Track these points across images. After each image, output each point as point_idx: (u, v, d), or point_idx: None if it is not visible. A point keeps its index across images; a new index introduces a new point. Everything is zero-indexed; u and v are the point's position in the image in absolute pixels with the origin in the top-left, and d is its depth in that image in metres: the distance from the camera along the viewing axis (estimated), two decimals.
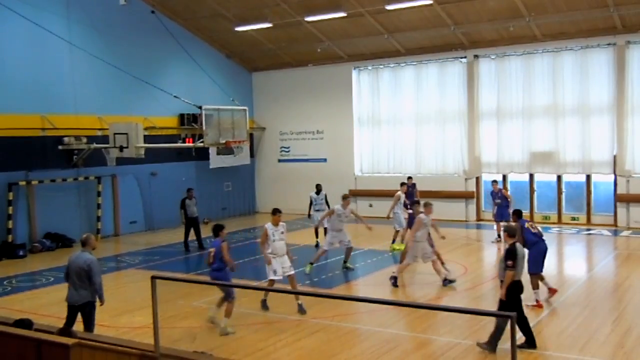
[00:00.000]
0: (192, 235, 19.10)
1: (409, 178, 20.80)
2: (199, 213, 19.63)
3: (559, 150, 21.86)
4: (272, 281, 11.70)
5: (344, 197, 15.57)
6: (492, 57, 22.99)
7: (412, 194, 20.73)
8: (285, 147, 27.79)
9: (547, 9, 20.38)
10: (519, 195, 22.37)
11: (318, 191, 18.89)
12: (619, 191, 20.98)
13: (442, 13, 21.42)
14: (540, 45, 21.95)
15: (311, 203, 18.82)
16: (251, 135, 26.91)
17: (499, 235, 18.21)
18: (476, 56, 23.22)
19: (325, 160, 26.62)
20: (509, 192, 19.87)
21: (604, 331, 10.25)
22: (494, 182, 19.53)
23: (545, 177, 22.55)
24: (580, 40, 21.28)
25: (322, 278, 14.67)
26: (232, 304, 10.72)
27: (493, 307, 10.56)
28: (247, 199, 27.31)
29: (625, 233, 19.80)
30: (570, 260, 17.04)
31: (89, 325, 9.54)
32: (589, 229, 20.63)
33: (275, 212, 12.00)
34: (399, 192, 18.16)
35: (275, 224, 11.83)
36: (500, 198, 18.72)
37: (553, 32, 21.40)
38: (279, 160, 27.93)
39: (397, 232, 18.00)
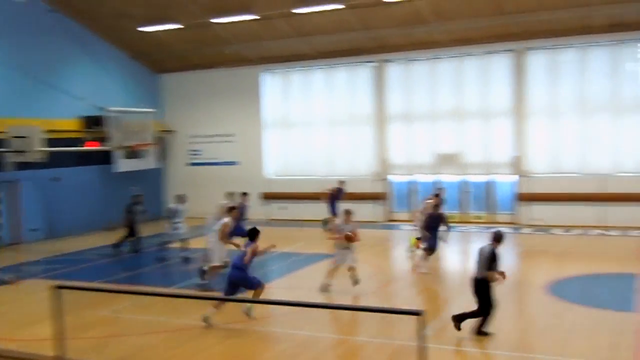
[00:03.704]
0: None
1: (341, 182, 21.29)
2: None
3: (463, 152, 22.69)
4: None
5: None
6: (400, 61, 23.59)
7: (338, 198, 21.01)
8: (196, 150, 27.37)
9: (451, 15, 21.10)
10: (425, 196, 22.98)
11: (181, 201, 17.51)
12: (519, 190, 22.00)
13: (351, 18, 21.74)
14: (445, 50, 22.70)
15: (173, 214, 17.34)
16: (161, 139, 26.33)
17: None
18: (384, 61, 23.74)
19: (236, 163, 26.41)
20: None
21: (507, 326, 10.67)
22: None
23: (451, 177, 23.31)
24: (482, 46, 22.19)
25: None
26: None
27: (404, 304, 10.79)
28: (155, 204, 26.67)
29: (525, 230, 20.74)
30: (474, 258, 17.65)
31: None
32: (492, 227, 21.44)
33: None
34: (428, 201, 16.58)
35: None
36: None
37: (456, 38, 22.17)
38: (190, 164, 27.48)
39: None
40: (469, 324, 9.95)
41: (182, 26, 23.06)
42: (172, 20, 22.73)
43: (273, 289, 14.10)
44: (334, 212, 20.65)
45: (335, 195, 21.15)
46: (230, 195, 17.40)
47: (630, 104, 20.77)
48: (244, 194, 18.80)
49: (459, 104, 22.79)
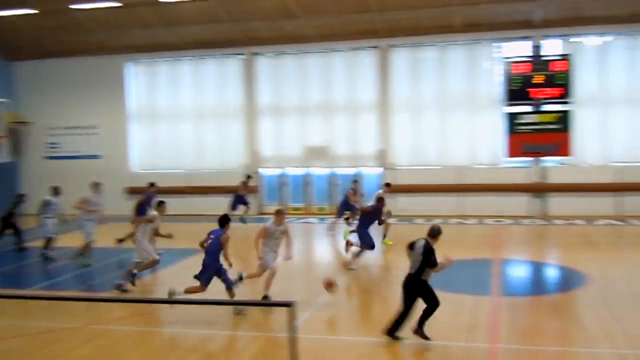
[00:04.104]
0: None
1: (248, 177, 20.87)
2: None
3: (331, 145, 23.19)
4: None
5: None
6: (269, 55, 23.62)
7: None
8: (54, 143, 25.87)
9: (318, 10, 21.44)
10: (293, 188, 23.28)
11: (56, 193, 16.37)
12: (384, 182, 22.77)
13: (219, 9, 21.45)
14: (313, 45, 23.03)
15: (46, 207, 16.08)
16: (14, 130, 24.65)
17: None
18: (254, 53, 23.67)
19: (99, 156, 25.27)
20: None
21: (373, 313, 11.01)
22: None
23: (320, 170, 23.73)
24: (348, 43, 22.73)
25: (99, 281, 13.91)
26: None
27: (277, 296, 10.80)
28: (9, 201, 24.87)
29: (390, 220, 21.46)
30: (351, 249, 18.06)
31: None
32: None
33: None
34: (380, 191, 16.41)
35: None
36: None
37: (324, 33, 22.56)
38: (48, 157, 25.95)
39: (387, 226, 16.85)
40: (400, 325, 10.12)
41: (37, 11, 21.65)
42: (26, 4, 21.26)
43: (140, 287, 13.68)
44: (237, 206, 20.62)
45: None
46: (96, 185, 16.36)
47: (485, 101, 22.15)
48: (152, 184, 17.99)
49: (328, 98, 23.25)
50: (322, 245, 18.29)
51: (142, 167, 25.15)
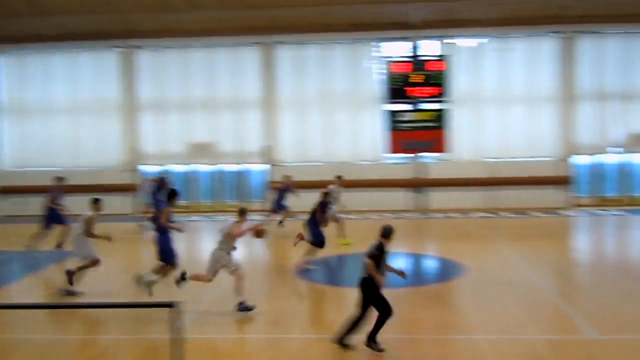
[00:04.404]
0: None
1: (164, 173, 20.32)
2: None
3: (216, 141, 22.91)
4: None
5: None
6: (150, 48, 22.98)
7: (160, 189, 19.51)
8: None
9: (200, 4, 21.07)
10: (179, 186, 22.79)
11: None
12: (271, 179, 22.82)
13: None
14: (196, 40, 22.63)
15: None
16: None
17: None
18: (133, 46, 22.93)
19: None
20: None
21: (263, 310, 10.99)
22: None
23: (204, 167, 23.40)
24: (232, 38, 22.54)
25: None
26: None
27: (164, 297, 10.52)
28: None
29: (277, 217, 21.52)
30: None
31: None
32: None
33: None
34: (331, 186, 15.95)
35: None
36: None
37: (207, 28, 22.21)
38: None
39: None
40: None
41: None
42: None
43: (12, 292, 12.90)
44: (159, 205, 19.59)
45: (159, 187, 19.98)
46: None
47: (367, 99, 22.69)
48: (60, 178, 16.72)
49: (212, 94, 22.96)
50: (207, 242, 17.99)
51: (13, 164, 23.67)
